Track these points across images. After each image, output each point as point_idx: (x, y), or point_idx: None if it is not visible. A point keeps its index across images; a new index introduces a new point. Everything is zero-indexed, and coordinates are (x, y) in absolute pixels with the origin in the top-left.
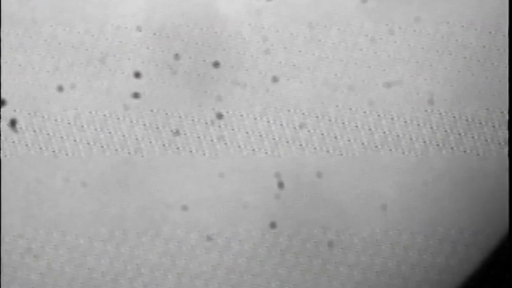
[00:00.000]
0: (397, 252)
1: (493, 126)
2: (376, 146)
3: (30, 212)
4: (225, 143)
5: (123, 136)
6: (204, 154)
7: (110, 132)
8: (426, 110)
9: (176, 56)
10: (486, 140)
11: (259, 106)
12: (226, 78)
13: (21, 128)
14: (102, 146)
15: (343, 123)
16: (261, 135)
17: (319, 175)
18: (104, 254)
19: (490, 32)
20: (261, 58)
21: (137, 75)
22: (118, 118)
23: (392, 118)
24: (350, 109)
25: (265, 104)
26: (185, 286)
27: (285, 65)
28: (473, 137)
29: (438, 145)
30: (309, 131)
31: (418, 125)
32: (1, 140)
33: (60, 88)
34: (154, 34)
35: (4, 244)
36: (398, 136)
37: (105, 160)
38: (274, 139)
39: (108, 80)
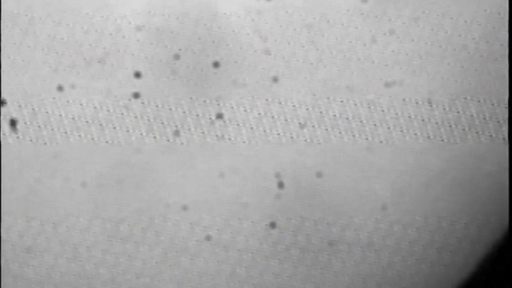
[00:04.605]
0: (397, 251)
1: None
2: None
3: (30, 212)
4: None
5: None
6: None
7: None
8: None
9: (176, 56)
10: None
11: (259, 106)
12: (226, 78)
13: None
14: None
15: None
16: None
17: (319, 175)
18: (102, 253)
19: (491, 32)
20: (261, 58)
21: (137, 75)
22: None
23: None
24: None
25: (265, 104)
26: (183, 286)
27: (285, 65)
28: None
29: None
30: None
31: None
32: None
33: (60, 88)
34: (154, 34)
35: (3, 243)
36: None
37: (105, 160)
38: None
39: (108, 80)
